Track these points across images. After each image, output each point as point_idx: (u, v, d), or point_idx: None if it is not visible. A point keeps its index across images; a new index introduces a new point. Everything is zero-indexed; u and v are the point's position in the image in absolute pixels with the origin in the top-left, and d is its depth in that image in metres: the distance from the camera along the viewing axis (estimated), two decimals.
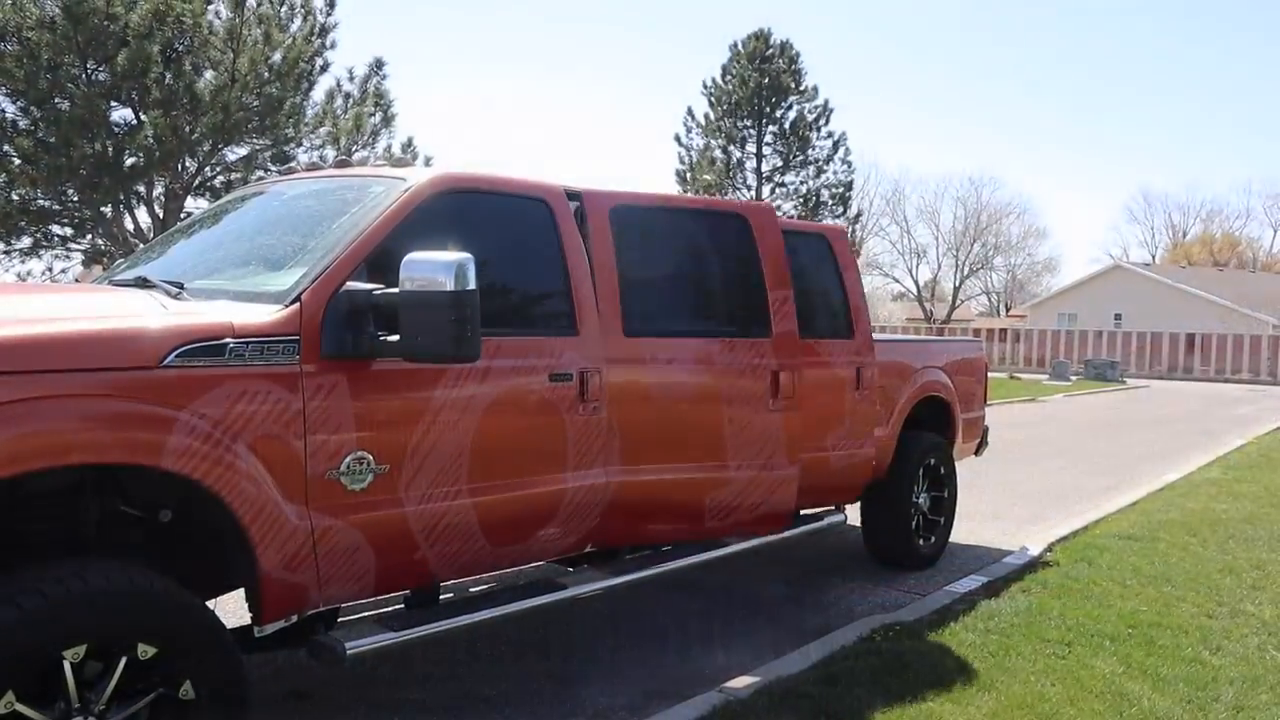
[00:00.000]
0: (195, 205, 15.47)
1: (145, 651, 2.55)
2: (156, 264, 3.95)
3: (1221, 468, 11.01)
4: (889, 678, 4.12)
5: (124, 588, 2.51)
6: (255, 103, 14.59)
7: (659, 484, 4.14)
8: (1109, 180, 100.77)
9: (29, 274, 15.83)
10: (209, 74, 14.42)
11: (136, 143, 13.63)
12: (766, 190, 34.53)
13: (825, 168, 35.05)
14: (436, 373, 3.33)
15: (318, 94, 16.06)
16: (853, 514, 6.14)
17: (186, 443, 2.67)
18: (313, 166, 4.65)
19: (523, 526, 3.71)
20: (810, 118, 34.83)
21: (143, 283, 3.34)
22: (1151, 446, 13.28)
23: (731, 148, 35.08)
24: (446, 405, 3.37)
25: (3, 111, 13.43)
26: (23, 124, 13.51)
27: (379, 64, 16.56)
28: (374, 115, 16.39)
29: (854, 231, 35.90)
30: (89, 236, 15.64)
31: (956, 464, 6.68)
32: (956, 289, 64.18)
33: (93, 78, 13.56)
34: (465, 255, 3.00)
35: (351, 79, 16.37)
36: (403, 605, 3.82)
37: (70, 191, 14.48)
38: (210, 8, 14.23)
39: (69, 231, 15.64)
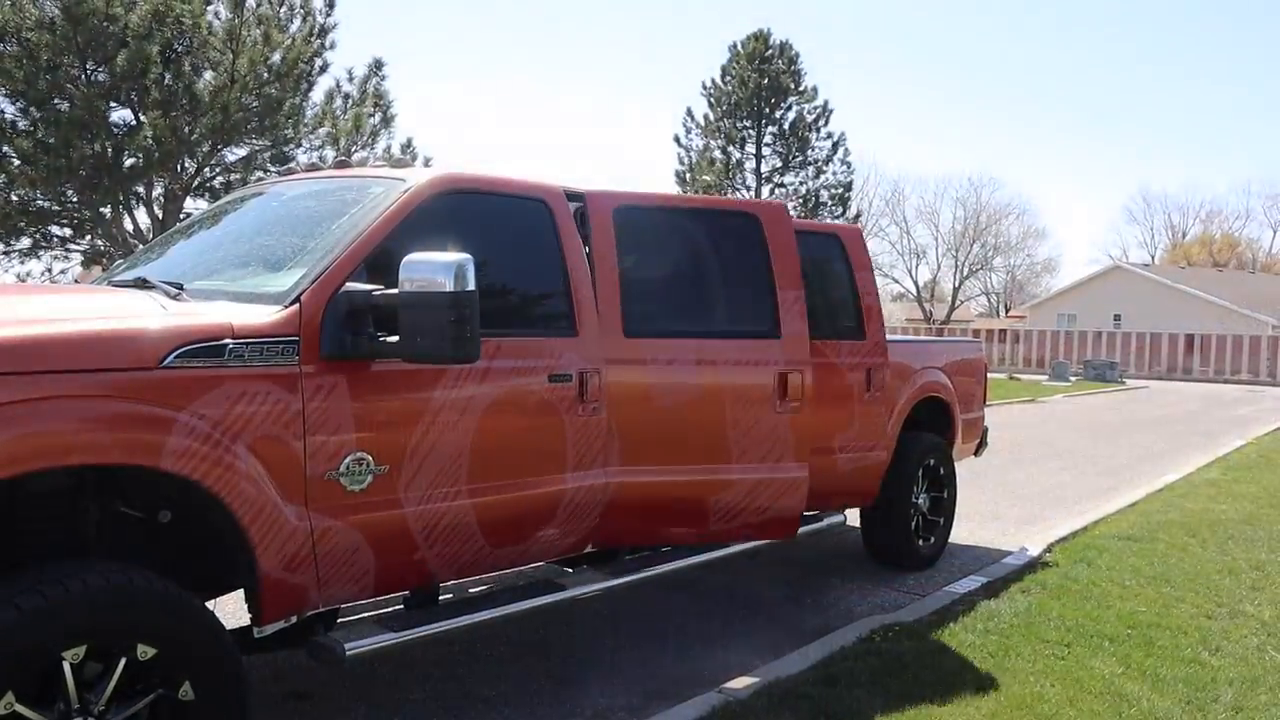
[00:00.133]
0: (194, 206, 15.47)
1: (145, 652, 2.55)
2: (156, 265, 3.95)
3: (1221, 468, 11.01)
4: (888, 678, 4.12)
5: (123, 588, 2.51)
6: (255, 103, 14.59)
7: (660, 485, 4.13)
8: (1108, 181, 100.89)
9: (28, 275, 15.84)
10: (208, 75, 14.42)
11: (136, 143, 13.63)
12: (766, 191, 34.52)
13: (825, 168, 35.08)
14: (436, 373, 3.33)
15: (317, 95, 16.09)
16: (852, 514, 6.15)
17: (186, 443, 2.67)
18: (312, 167, 4.65)
19: (522, 527, 3.71)
20: (810, 118, 34.85)
21: (142, 283, 3.33)
22: (1151, 447, 13.28)
23: (731, 148, 35.10)
24: (446, 406, 3.37)
25: (2, 112, 13.44)
26: (22, 125, 13.51)
27: (378, 64, 16.58)
28: (373, 116, 16.40)
29: None
30: (88, 237, 15.64)
31: (956, 464, 6.68)
32: (956, 289, 64.21)
33: (92, 78, 13.56)
34: (465, 256, 3.00)
35: (351, 79, 16.39)
36: (402, 606, 3.82)
37: (69, 192, 14.49)
38: (209, 8, 14.23)
39: (68, 232, 15.65)
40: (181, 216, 14.65)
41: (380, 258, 3.28)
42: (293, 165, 8.34)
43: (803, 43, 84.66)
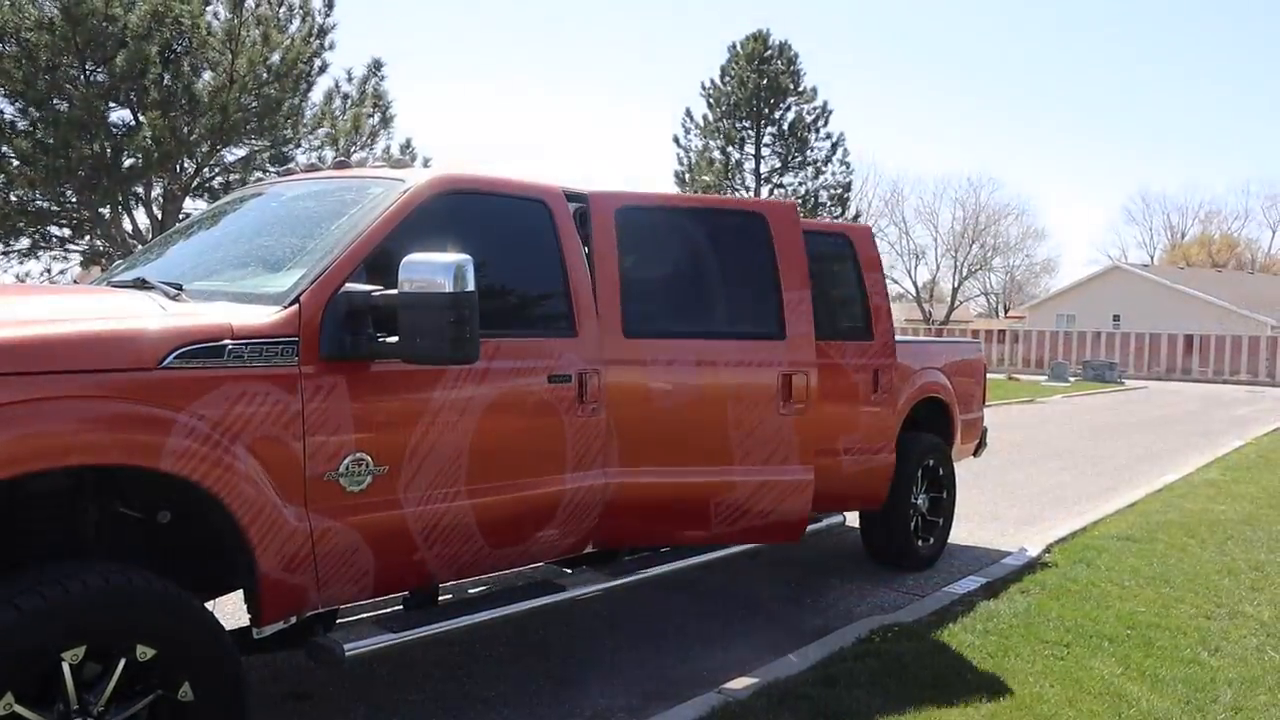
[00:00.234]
0: (194, 206, 15.46)
1: (144, 653, 2.55)
2: (155, 265, 3.94)
3: (1220, 469, 11.02)
4: (888, 679, 4.12)
5: (123, 589, 2.51)
6: (254, 104, 14.58)
7: (660, 486, 4.12)
8: (1107, 181, 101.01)
9: (27, 275, 15.82)
10: (207, 75, 14.41)
11: (135, 144, 13.62)
12: (765, 191, 34.53)
13: (824, 169, 35.07)
14: (435, 374, 3.33)
15: (316, 95, 16.07)
16: (851, 515, 6.15)
17: (185, 444, 2.67)
18: (311, 167, 4.65)
19: (522, 527, 3.71)
20: (809, 119, 34.84)
21: (141, 284, 3.33)
22: (1150, 447, 13.29)
23: (730, 149, 35.08)
24: (445, 406, 3.37)
25: (1, 113, 13.43)
26: (21, 125, 13.49)
27: (377, 65, 16.56)
28: (372, 116, 16.38)
29: None
30: (87, 238, 15.63)
31: (955, 465, 6.68)
32: (955, 290, 64.22)
33: (91, 79, 13.55)
34: (464, 257, 3.00)
35: (350, 80, 16.37)
36: (402, 606, 3.82)
37: (69, 192, 14.48)
38: (209, 9, 14.22)
39: (67, 233, 15.63)
40: (181, 217, 14.64)
41: (380, 258, 3.28)
42: (292, 166, 8.33)
43: (802, 43, 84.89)
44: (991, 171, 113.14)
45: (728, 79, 34.99)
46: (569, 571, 4.45)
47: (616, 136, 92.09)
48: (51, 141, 13.18)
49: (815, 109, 34.88)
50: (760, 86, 34.29)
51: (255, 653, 3.25)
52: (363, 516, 3.14)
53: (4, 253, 15.47)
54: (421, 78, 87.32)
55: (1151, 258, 68.54)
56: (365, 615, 4.04)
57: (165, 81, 13.69)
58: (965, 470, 7.67)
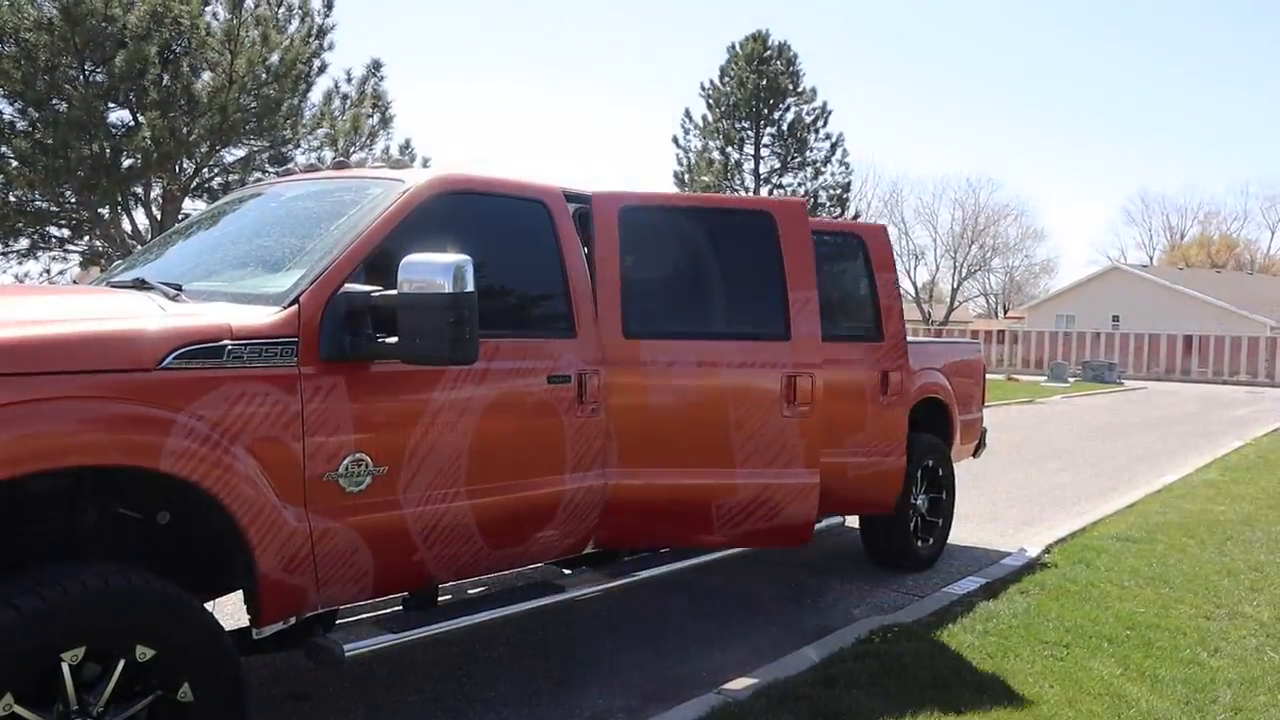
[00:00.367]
0: (193, 207, 15.46)
1: (144, 653, 2.55)
2: (154, 266, 3.94)
3: (1219, 469, 11.02)
4: (887, 679, 4.12)
5: (122, 590, 2.51)
6: (253, 104, 14.59)
7: (659, 487, 4.11)
8: (1107, 182, 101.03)
9: (26, 275, 15.82)
10: (206, 75, 14.41)
11: (134, 144, 13.62)
12: (764, 192, 34.52)
13: (823, 169, 35.05)
14: (435, 374, 3.33)
15: (315, 95, 16.06)
16: (851, 515, 6.15)
17: (184, 445, 2.67)
18: (310, 168, 4.65)
19: (521, 528, 3.71)
20: (808, 119, 34.82)
21: (141, 284, 3.33)
22: (1149, 448, 13.30)
23: (729, 149, 35.06)
24: (445, 407, 3.37)
25: (0, 113, 13.44)
26: (20, 125, 13.49)
27: (377, 65, 16.57)
28: (372, 116, 16.38)
29: None
30: (86, 238, 15.62)
31: (954, 465, 6.68)
32: (954, 290, 64.28)
33: (90, 79, 13.55)
34: (463, 257, 3.00)
35: (349, 80, 16.37)
36: (401, 607, 3.82)
37: (68, 193, 14.47)
38: (208, 9, 14.22)
39: (66, 233, 15.63)
40: (180, 217, 14.64)
41: (379, 259, 3.28)
42: (291, 166, 8.34)
43: (801, 44, 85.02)
44: (991, 172, 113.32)
45: (727, 79, 34.99)
46: (568, 572, 4.45)
47: (616, 137, 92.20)
48: (51, 142, 13.18)
49: (814, 109, 34.87)
50: (760, 87, 34.28)
51: (255, 653, 3.24)
52: (362, 517, 3.14)
53: (3, 253, 15.46)
54: (421, 78, 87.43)
55: (1151, 258, 68.62)
56: (365, 616, 4.04)
57: (164, 82, 13.69)
58: (965, 471, 7.67)
